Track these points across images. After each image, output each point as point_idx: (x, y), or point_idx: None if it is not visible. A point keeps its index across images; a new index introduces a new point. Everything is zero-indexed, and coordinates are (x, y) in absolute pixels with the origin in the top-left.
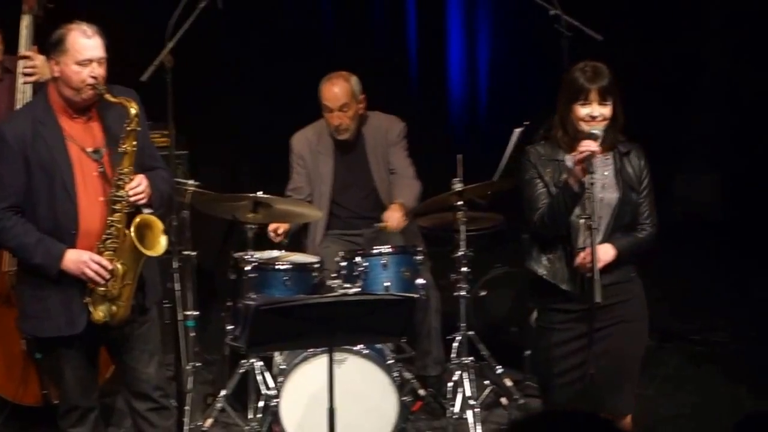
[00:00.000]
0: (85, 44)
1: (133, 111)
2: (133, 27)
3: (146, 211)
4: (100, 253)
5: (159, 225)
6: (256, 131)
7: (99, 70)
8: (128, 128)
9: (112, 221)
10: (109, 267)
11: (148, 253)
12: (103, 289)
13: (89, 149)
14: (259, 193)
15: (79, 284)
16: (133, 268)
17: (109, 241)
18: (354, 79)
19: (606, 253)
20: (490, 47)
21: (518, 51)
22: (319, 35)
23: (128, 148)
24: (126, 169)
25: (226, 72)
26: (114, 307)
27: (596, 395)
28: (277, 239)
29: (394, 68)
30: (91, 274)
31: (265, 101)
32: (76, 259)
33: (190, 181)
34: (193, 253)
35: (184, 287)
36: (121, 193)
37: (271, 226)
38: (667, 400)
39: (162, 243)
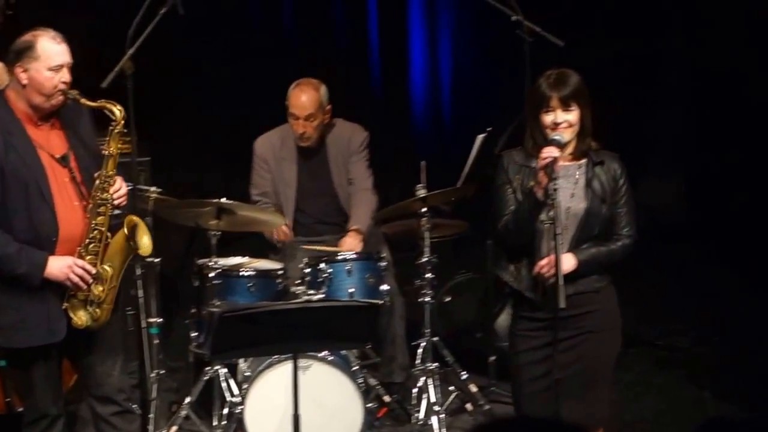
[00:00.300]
0: (57, 50)
1: (118, 113)
2: (93, 33)
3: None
4: (81, 258)
5: (142, 225)
6: (218, 137)
7: (68, 76)
8: (114, 130)
9: (96, 224)
10: (93, 271)
11: (142, 252)
12: (85, 293)
13: (57, 155)
14: (223, 200)
15: (57, 291)
16: (119, 270)
17: (92, 245)
18: (323, 89)
19: (566, 262)
20: (452, 53)
21: (481, 57)
22: (280, 40)
23: (113, 150)
24: (111, 172)
25: (187, 77)
26: (98, 311)
27: (566, 404)
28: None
29: (356, 74)
30: (76, 279)
31: (228, 106)
32: (61, 265)
33: (153, 188)
34: (157, 260)
35: (148, 294)
36: (105, 196)
37: (281, 230)
38: (632, 405)
39: (147, 242)
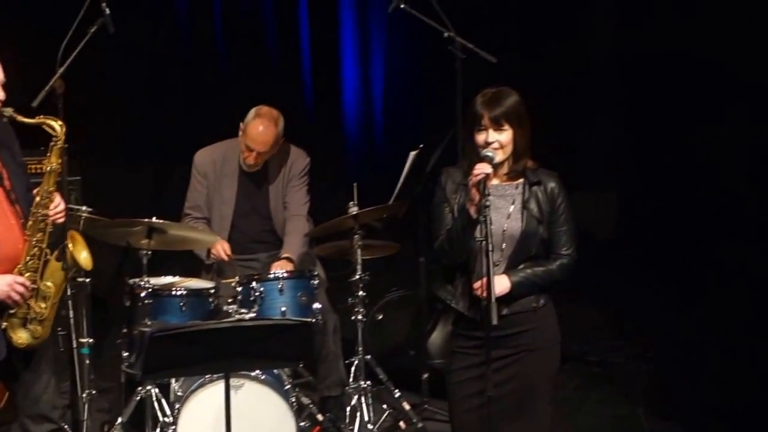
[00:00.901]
0: None
1: (58, 128)
2: (23, 52)
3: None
4: (21, 275)
5: (81, 240)
6: (150, 155)
7: (2, 93)
8: (55, 146)
9: (37, 241)
10: (32, 287)
11: (83, 266)
12: (24, 311)
13: None
14: (154, 219)
15: None
16: (60, 286)
17: (31, 262)
18: (281, 123)
19: (500, 284)
20: (384, 70)
21: (413, 75)
22: (211, 60)
23: (54, 165)
24: (51, 188)
25: (117, 95)
26: (39, 328)
27: (502, 423)
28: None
29: (288, 93)
30: (17, 297)
31: (159, 126)
32: (2, 283)
33: (84, 207)
34: (87, 280)
35: (79, 314)
36: (45, 212)
37: (222, 249)
38: (565, 422)
39: (86, 256)
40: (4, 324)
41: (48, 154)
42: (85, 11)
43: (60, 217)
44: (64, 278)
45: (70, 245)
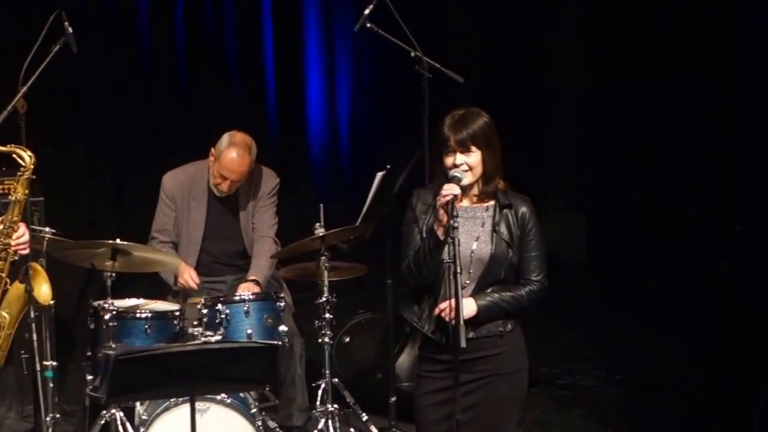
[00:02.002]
0: None
1: (28, 159)
2: None
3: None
4: None
5: (43, 273)
6: (113, 176)
7: None
8: (22, 176)
9: None
10: None
11: (42, 301)
12: None
13: None
14: (117, 241)
15: None
16: (16, 317)
17: None
18: (254, 150)
19: (466, 307)
20: (351, 91)
21: (380, 94)
22: (174, 83)
23: (19, 196)
24: (15, 218)
25: (80, 116)
26: None
27: None
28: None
29: (252, 114)
30: None
31: (123, 146)
32: None
33: (47, 229)
34: (51, 302)
35: (42, 337)
36: (7, 241)
37: (190, 278)
38: None
39: (47, 291)
40: None
41: (14, 184)
42: (47, 30)
43: (23, 248)
44: (20, 310)
45: (30, 281)
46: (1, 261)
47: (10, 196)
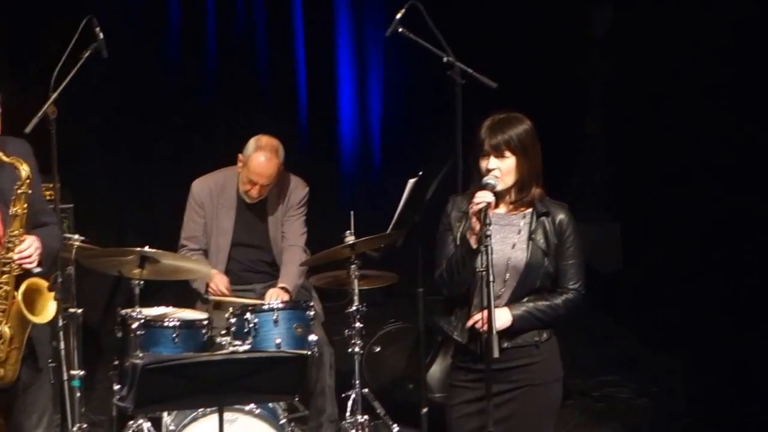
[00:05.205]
0: None
1: (24, 173)
2: (16, 76)
3: (36, 271)
4: None
5: (45, 293)
6: (143, 183)
7: None
8: (19, 191)
9: (1, 284)
10: None
11: (35, 320)
12: None
13: None
14: (146, 248)
15: None
16: (20, 332)
17: None
18: (282, 153)
19: (501, 318)
20: (382, 98)
21: (411, 100)
22: (205, 85)
23: (19, 210)
24: (16, 231)
25: (111, 123)
26: (1, 371)
27: None
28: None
29: (283, 120)
30: None
31: (151, 154)
32: None
33: (76, 236)
34: (79, 311)
35: (70, 346)
36: (10, 255)
37: (222, 285)
38: None
39: (50, 309)
40: None
41: (14, 198)
42: (78, 36)
43: (27, 262)
44: (22, 325)
45: (19, 298)
46: (6, 275)
47: (10, 211)
